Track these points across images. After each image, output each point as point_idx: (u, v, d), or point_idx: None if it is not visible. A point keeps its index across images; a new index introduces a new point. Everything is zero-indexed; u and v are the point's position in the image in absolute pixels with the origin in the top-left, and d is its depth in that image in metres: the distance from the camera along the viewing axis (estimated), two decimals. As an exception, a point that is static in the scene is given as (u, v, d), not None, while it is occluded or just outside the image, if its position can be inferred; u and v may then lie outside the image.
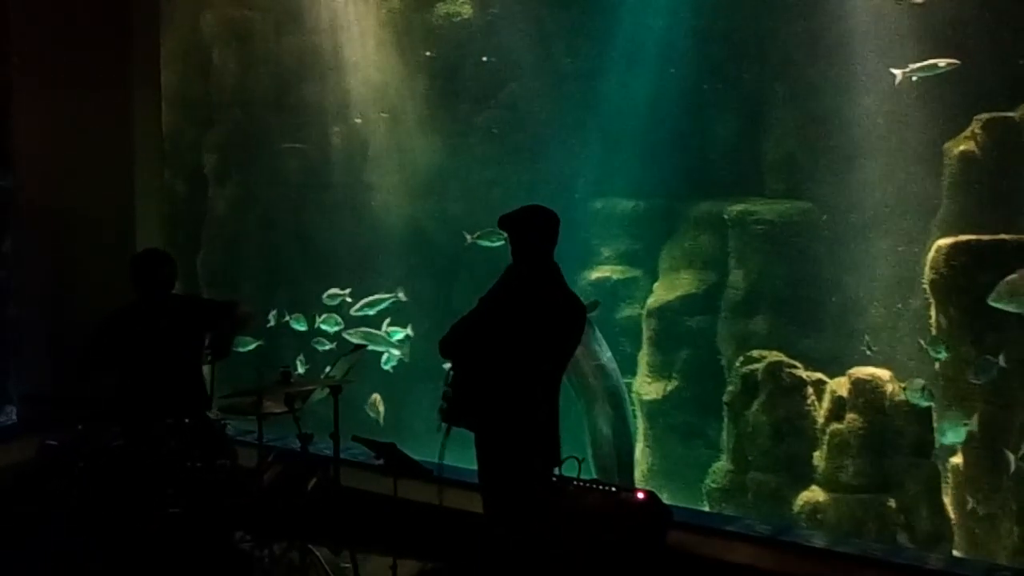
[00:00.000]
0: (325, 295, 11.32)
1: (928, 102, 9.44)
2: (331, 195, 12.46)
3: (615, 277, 11.44)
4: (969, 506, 8.62)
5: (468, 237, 10.79)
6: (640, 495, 6.31)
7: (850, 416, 9.17)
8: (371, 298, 11.17)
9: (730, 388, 9.99)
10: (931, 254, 8.91)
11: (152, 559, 6.13)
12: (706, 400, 10.49)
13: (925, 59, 9.17)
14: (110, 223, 9.17)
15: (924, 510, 8.83)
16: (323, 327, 11.22)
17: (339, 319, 11.12)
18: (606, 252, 11.66)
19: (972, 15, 9.25)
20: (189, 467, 6.23)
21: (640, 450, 10.78)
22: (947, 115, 9.35)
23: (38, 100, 9.28)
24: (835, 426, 9.24)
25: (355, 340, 10.56)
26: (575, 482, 6.30)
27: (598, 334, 9.99)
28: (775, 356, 9.75)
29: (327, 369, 7.56)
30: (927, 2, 9.35)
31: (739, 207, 10.72)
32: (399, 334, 10.98)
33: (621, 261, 11.62)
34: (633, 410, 10.90)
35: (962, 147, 9.17)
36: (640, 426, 10.90)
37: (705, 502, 10.00)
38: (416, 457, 6.33)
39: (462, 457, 6.06)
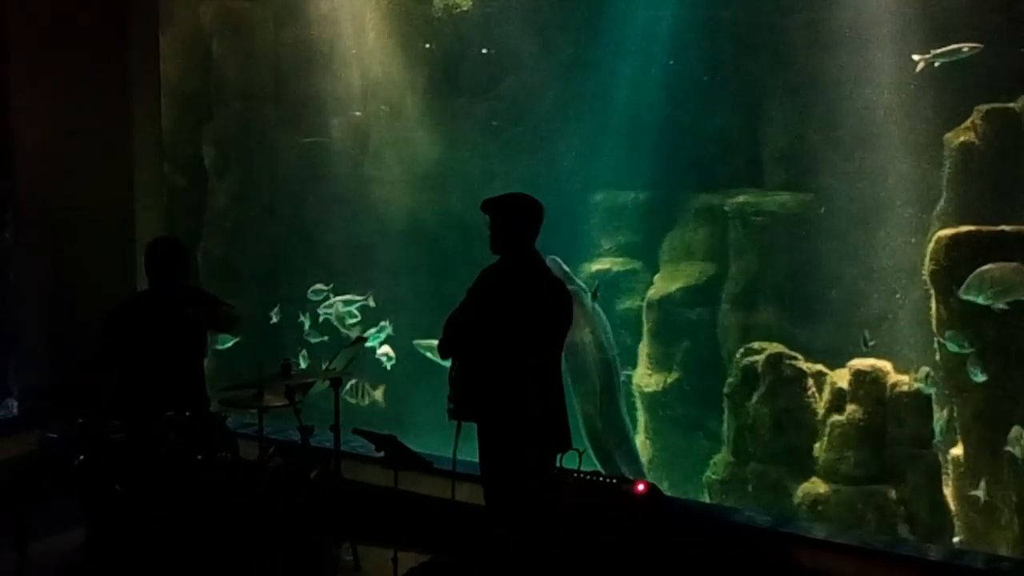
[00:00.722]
0: (310, 291, 11.34)
1: (928, 93, 9.43)
2: (331, 188, 12.44)
3: (615, 269, 11.43)
4: (970, 496, 8.63)
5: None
6: (641, 487, 6.32)
7: (850, 407, 9.18)
8: (342, 298, 11.22)
9: (730, 380, 9.99)
10: (931, 245, 8.90)
11: (153, 553, 6.13)
12: (706, 392, 10.49)
13: (925, 49, 9.15)
14: (110, 217, 9.16)
15: (925, 501, 8.84)
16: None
17: (356, 312, 11.13)
18: (606, 244, 11.65)
19: (972, 5, 9.24)
20: (189, 460, 6.23)
21: (641, 442, 10.79)
22: (947, 106, 9.32)
23: (37, 94, 9.27)
24: (835, 417, 9.25)
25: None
26: (575, 474, 6.32)
27: (604, 321, 10.06)
28: (775, 348, 9.75)
29: (325, 365, 7.55)
30: (925, -5, 9.35)
31: (739, 199, 10.72)
32: (380, 336, 11.00)
33: (621, 253, 11.61)
34: (633, 402, 10.93)
35: (962, 138, 9.15)
36: (641, 418, 10.91)
37: (706, 493, 10.01)
38: (416, 449, 6.34)
39: (463, 450, 6.07)
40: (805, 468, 9.42)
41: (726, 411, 10.03)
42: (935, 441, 8.84)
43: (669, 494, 6.87)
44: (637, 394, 10.95)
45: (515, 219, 5.76)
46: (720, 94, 11.13)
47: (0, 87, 9.37)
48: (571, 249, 10.70)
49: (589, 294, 10.05)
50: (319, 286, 11.34)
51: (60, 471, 6.35)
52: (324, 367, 7.55)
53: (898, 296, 9.73)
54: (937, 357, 8.92)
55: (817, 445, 9.38)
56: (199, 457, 6.24)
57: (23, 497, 6.41)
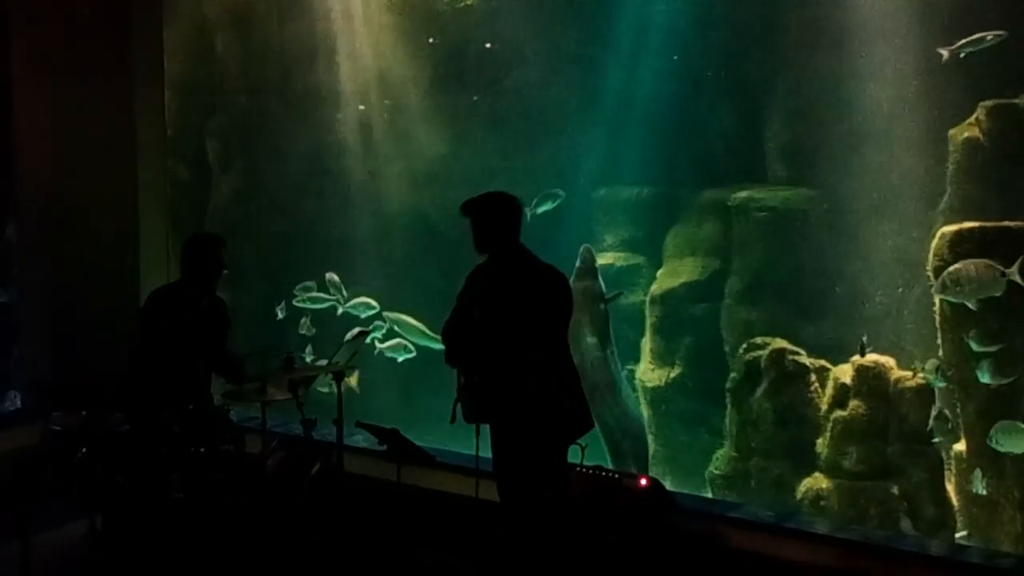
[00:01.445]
0: (297, 288, 11.36)
1: (932, 89, 9.40)
2: (334, 182, 12.44)
3: (618, 264, 11.42)
4: (972, 492, 8.62)
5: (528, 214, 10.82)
6: (643, 481, 6.33)
7: (853, 403, 9.17)
8: (314, 294, 11.30)
9: (733, 375, 9.99)
10: (935, 241, 8.87)
11: (155, 545, 6.14)
12: (709, 387, 10.48)
13: (928, 46, 9.14)
14: (113, 210, 9.18)
15: (927, 497, 8.83)
16: (352, 312, 11.23)
17: (373, 303, 11.12)
18: (609, 239, 11.65)
19: (976, 0, 9.22)
20: (192, 454, 6.24)
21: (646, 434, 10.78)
22: (951, 102, 9.29)
23: (40, 88, 9.29)
24: (838, 413, 9.24)
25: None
26: (578, 468, 6.32)
27: (608, 325, 10.08)
28: (778, 343, 9.74)
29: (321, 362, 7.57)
30: (929, -11, 9.32)
31: (743, 194, 10.70)
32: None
33: (624, 248, 11.61)
34: (636, 397, 10.92)
35: (966, 134, 9.12)
36: (644, 413, 10.90)
37: (708, 489, 10.01)
38: (419, 443, 6.34)
39: (468, 445, 6.07)
40: (808, 463, 9.42)
41: (729, 406, 10.03)
42: (935, 441, 8.80)
43: (671, 489, 6.87)
44: (640, 389, 10.94)
45: (494, 217, 5.80)
46: (724, 89, 11.12)
47: (2, 82, 9.38)
48: (574, 244, 10.70)
49: (605, 299, 10.09)
50: (308, 284, 11.36)
51: (63, 464, 6.37)
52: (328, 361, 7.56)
53: (901, 292, 9.71)
54: (940, 353, 8.90)
55: (820, 440, 9.37)
56: (201, 450, 6.25)
57: (26, 490, 6.42)
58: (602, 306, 10.06)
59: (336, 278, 11.39)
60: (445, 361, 5.91)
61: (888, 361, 9.15)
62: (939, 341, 8.82)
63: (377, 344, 11.04)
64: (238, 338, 7.44)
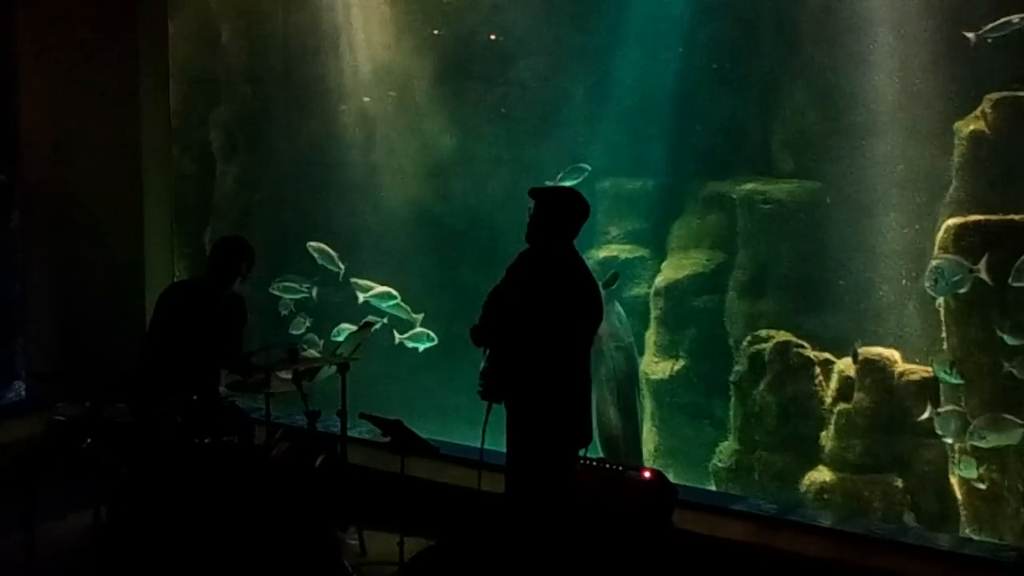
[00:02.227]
0: (279, 283, 11.40)
1: (938, 81, 9.37)
2: (338, 174, 12.43)
3: (623, 256, 11.39)
4: (975, 486, 8.61)
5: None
6: (646, 474, 6.33)
7: (857, 396, 9.16)
8: (289, 284, 11.32)
9: (737, 368, 9.98)
10: (940, 234, 8.87)
11: (159, 535, 6.15)
12: (713, 380, 10.47)
13: (935, 37, 9.12)
14: (118, 200, 9.20)
15: (930, 490, 8.82)
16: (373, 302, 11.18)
17: (394, 292, 11.13)
18: (614, 231, 11.61)
19: (984, -10, 9.19)
20: (195, 444, 6.25)
21: (647, 430, 10.78)
22: (957, 94, 9.26)
23: (45, 78, 9.29)
24: (842, 406, 9.24)
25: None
26: (582, 461, 6.32)
27: (619, 311, 10.05)
28: (783, 336, 9.74)
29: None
30: (938, -21, 9.28)
31: (747, 186, 10.67)
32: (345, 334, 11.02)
33: (629, 240, 11.58)
34: (640, 389, 10.91)
35: (972, 126, 9.09)
36: (647, 406, 10.89)
37: (712, 481, 10.01)
38: (423, 435, 6.34)
39: (471, 437, 6.07)
40: (811, 456, 9.42)
41: (733, 399, 10.03)
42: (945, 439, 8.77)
43: (675, 482, 6.86)
44: (644, 382, 10.93)
45: (562, 211, 5.71)
46: (729, 81, 11.07)
47: (8, 72, 9.38)
48: (579, 236, 10.68)
49: (600, 284, 10.05)
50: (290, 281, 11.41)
51: (68, 454, 6.38)
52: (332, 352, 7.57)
53: (906, 284, 9.69)
54: (945, 346, 8.89)
55: (824, 433, 9.37)
56: (206, 441, 6.26)
57: (31, 479, 6.43)
58: (606, 292, 10.01)
59: (327, 248, 11.36)
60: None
61: (892, 354, 9.14)
62: (944, 334, 8.81)
63: (397, 336, 11.04)
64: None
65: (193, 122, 12.66)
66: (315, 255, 11.27)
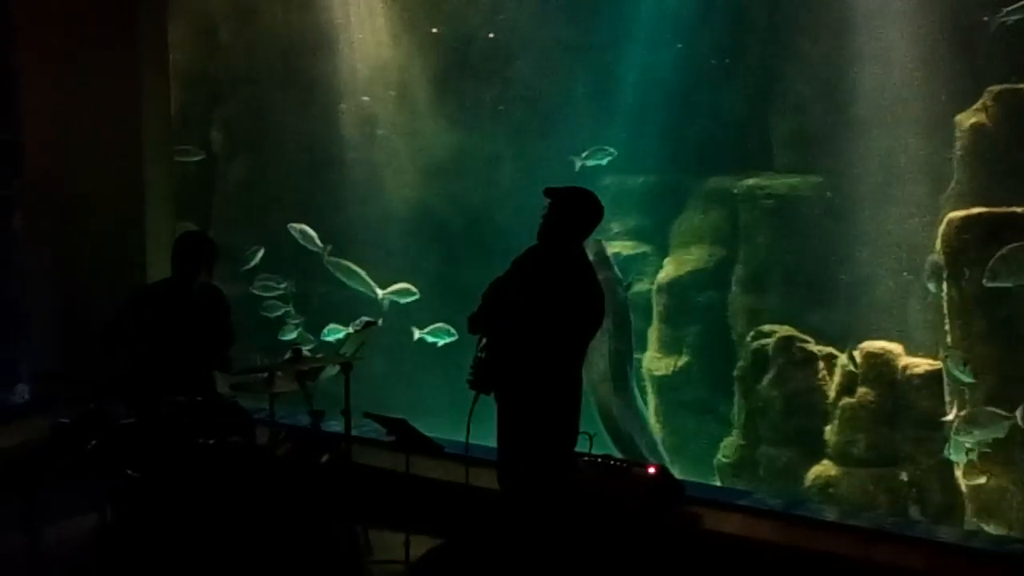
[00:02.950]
0: (258, 283, 11.43)
1: (939, 74, 9.38)
2: (338, 173, 12.44)
3: (625, 253, 11.41)
4: (981, 479, 8.61)
5: (577, 162, 10.85)
6: (651, 469, 6.32)
7: (861, 390, 9.17)
8: (267, 282, 11.43)
9: (741, 363, 10.00)
10: (942, 227, 8.86)
11: (164, 536, 6.15)
12: (717, 375, 10.50)
13: (934, 31, 9.14)
14: (119, 201, 9.17)
15: (935, 483, 8.83)
16: (393, 298, 11.25)
17: (413, 289, 11.14)
18: (616, 228, 11.62)
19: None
20: (200, 445, 6.24)
21: (651, 425, 10.78)
22: (958, 87, 9.28)
23: (46, 79, 9.26)
24: (846, 400, 9.24)
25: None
26: (585, 457, 6.32)
27: (629, 315, 10.07)
28: (786, 331, 9.75)
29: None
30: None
31: (749, 182, 10.70)
32: (340, 333, 11.06)
33: (631, 236, 11.61)
34: (643, 385, 10.92)
35: (973, 120, 9.11)
36: (651, 401, 10.91)
37: (716, 477, 10.01)
38: (427, 434, 6.33)
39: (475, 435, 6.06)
40: (816, 451, 9.43)
41: (736, 394, 10.04)
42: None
43: (679, 477, 6.86)
44: (647, 378, 10.95)
45: (575, 213, 5.69)
46: (730, 76, 11.11)
47: (9, 72, 9.36)
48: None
49: (623, 287, 10.08)
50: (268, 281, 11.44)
51: (72, 456, 6.37)
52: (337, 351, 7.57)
53: (909, 278, 9.69)
54: (948, 339, 8.88)
55: (828, 428, 9.38)
56: (211, 442, 6.25)
57: (36, 482, 6.43)
58: (622, 293, 10.04)
59: (307, 229, 11.40)
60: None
61: (895, 348, 9.15)
62: (947, 327, 8.81)
63: (379, 292, 11.03)
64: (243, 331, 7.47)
65: (194, 122, 12.66)
66: (296, 236, 11.35)
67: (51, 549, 6.40)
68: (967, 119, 9.15)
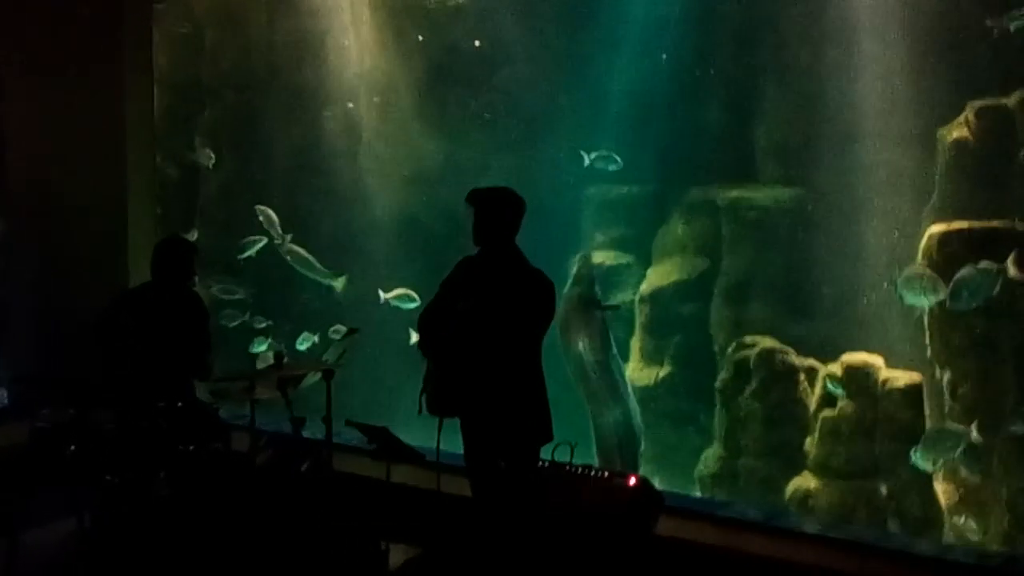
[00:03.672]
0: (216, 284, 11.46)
1: (921, 88, 9.42)
2: (323, 180, 12.42)
3: (608, 263, 11.40)
4: (960, 492, 8.65)
5: (586, 158, 10.91)
6: (632, 480, 6.32)
7: (842, 402, 9.19)
8: (225, 286, 11.68)
9: (722, 374, 10.00)
10: (924, 241, 8.91)
11: (143, 543, 6.13)
12: (698, 386, 10.50)
13: (917, 44, 9.19)
14: (102, 206, 9.16)
15: (915, 496, 8.85)
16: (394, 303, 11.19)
17: (414, 294, 11.08)
18: (599, 238, 11.64)
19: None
20: (181, 450, 6.22)
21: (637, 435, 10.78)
22: (940, 101, 9.31)
23: (29, 83, 9.26)
24: (827, 412, 9.26)
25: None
26: (567, 467, 6.32)
27: (607, 330, 10.06)
28: (768, 342, 9.77)
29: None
30: (920, -13, 9.33)
31: (732, 193, 10.71)
32: (307, 342, 11.09)
33: (614, 247, 11.60)
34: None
35: (955, 134, 9.16)
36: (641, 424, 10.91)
37: (697, 488, 10.01)
38: (409, 442, 6.32)
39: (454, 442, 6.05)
40: (796, 463, 9.45)
41: (718, 405, 10.05)
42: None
43: (660, 488, 6.87)
44: (630, 388, 10.94)
45: (501, 211, 5.78)
46: (713, 88, 11.11)
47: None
48: (564, 243, 10.69)
49: (602, 308, 10.07)
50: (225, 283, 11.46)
51: (51, 461, 6.34)
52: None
53: (890, 290, 9.72)
54: (928, 353, 8.93)
55: (808, 440, 9.40)
56: (190, 448, 6.23)
57: (14, 488, 6.40)
58: (599, 313, 10.04)
59: (271, 213, 11.47)
60: (419, 347, 5.88)
61: (876, 360, 9.17)
62: (927, 340, 8.85)
63: (382, 294, 11.03)
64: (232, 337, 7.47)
65: (178, 128, 12.62)
66: (260, 218, 11.46)
67: (30, 554, 6.37)
68: (949, 133, 9.20)
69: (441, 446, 5.87)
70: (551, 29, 11.74)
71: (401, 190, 12.16)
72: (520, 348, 5.68)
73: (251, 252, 11.63)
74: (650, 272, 11.25)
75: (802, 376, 9.58)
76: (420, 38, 12.27)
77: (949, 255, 8.59)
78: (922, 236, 8.99)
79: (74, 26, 9.04)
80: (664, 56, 11.09)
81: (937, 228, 8.83)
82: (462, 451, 5.92)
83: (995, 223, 8.56)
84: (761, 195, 10.60)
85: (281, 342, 11.28)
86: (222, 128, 12.86)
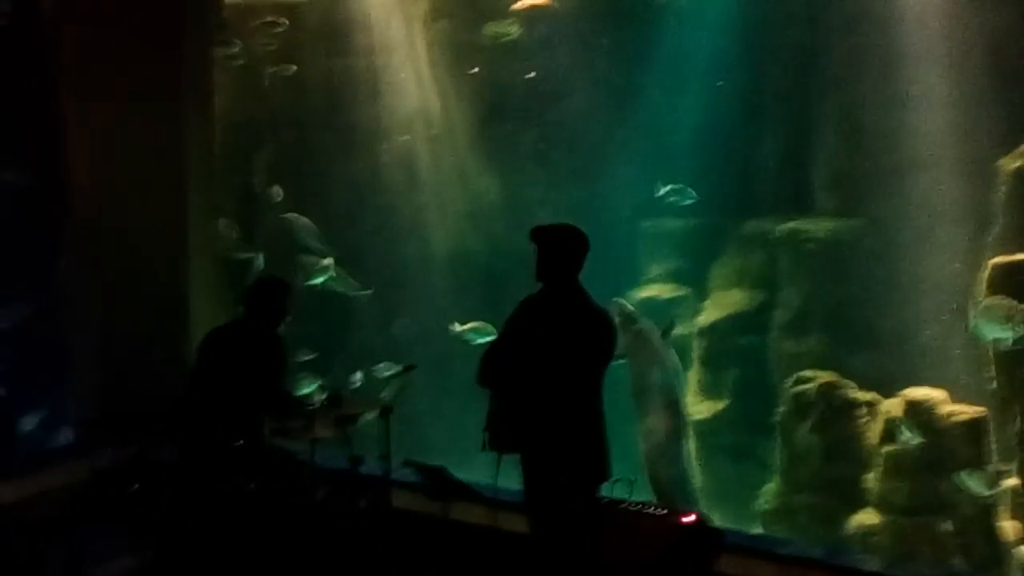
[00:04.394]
0: None
1: (981, 118, 9.31)
2: (379, 215, 12.52)
3: (664, 296, 11.38)
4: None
5: (661, 190, 10.88)
6: (689, 517, 6.28)
7: (904, 437, 9.05)
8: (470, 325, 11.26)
9: (782, 408, 9.91)
10: (986, 273, 8.79)
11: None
12: (757, 420, 10.40)
13: (975, 74, 9.09)
14: (163, 241, 9.29)
15: (979, 533, 8.69)
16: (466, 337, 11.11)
17: (490, 328, 11.05)
18: (655, 271, 11.62)
19: (1022, 27, 9.14)
20: (244, 489, 6.28)
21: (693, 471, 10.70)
22: (1000, 131, 9.21)
23: (92, 120, 9.42)
24: (888, 447, 9.14)
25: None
26: (624, 504, 6.30)
27: (675, 361, 10.00)
28: (827, 376, 9.67)
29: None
30: (976, 18, 9.24)
31: (789, 225, 10.65)
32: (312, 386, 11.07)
33: (670, 280, 11.57)
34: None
35: (1017, 163, 9.06)
36: (691, 446, 10.82)
37: (757, 524, 9.91)
38: (465, 479, 6.34)
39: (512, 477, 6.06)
40: (857, 498, 9.32)
41: (777, 440, 9.95)
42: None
43: (718, 524, 6.81)
44: (687, 422, 10.87)
45: (565, 249, 5.79)
46: (770, 119, 11.07)
47: (55, 113, 9.53)
48: (620, 276, 10.67)
49: (659, 332, 10.01)
50: None
51: (115, 499, 6.42)
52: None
53: (952, 323, 9.59)
54: (994, 385, 8.79)
55: (870, 475, 9.27)
56: (252, 487, 6.29)
57: (79, 525, 6.49)
58: (664, 342, 9.99)
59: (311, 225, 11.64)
60: (477, 382, 5.89)
61: (939, 395, 9.04)
62: (992, 374, 8.71)
63: (456, 326, 11.04)
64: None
65: (237, 165, 12.78)
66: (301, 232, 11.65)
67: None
68: (1010, 163, 9.10)
69: (501, 483, 5.89)
70: (605, 62, 11.77)
71: (456, 224, 12.23)
72: (581, 386, 5.68)
73: (318, 280, 11.63)
74: (707, 305, 11.21)
75: (863, 410, 9.46)
76: (475, 73, 12.35)
77: (1012, 287, 8.46)
78: (982, 267, 8.87)
79: (136, 63, 9.21)
80: (720, 87, 11.07)
81: (999, 260, 8.71)
82: (521, 488, 5.94)
83: (1057, 255, 8.44)
84: (818, 227, 10.52)
85: (329, 382, 11.27)
86: (279, 164, 13.02)
